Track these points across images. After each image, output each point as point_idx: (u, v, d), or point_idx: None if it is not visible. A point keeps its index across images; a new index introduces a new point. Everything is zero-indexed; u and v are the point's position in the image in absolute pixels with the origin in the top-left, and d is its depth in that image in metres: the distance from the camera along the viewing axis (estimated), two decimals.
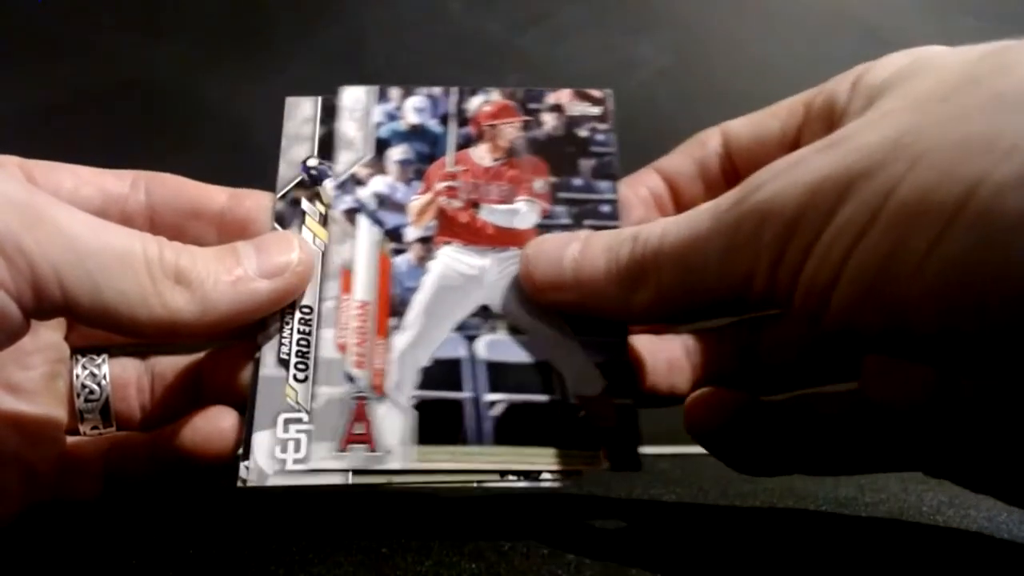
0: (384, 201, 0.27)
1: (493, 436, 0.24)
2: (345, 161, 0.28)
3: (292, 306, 0.25)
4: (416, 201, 0.27)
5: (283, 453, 0.24)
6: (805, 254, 0.19)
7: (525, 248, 0.26)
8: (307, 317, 0.25)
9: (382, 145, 0.28)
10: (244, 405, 0.24)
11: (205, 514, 0.28)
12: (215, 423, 0.25)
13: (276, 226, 0.27)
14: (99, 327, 0.21)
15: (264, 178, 0.28)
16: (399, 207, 0.27)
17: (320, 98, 0.29)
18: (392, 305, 0.26)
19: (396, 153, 0.28)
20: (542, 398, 0.24)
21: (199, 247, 0.23)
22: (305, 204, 0.27)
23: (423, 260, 0.26)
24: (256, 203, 0.27)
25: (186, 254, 0.22)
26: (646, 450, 0.24)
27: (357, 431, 0.24)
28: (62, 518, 0.26)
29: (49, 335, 0.26)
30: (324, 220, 0.27)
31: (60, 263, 0.20)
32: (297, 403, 0.24)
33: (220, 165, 0.30)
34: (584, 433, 0.24)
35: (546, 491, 0.24)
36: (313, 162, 0.28)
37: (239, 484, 0.23)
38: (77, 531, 0.25)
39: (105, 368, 0.27)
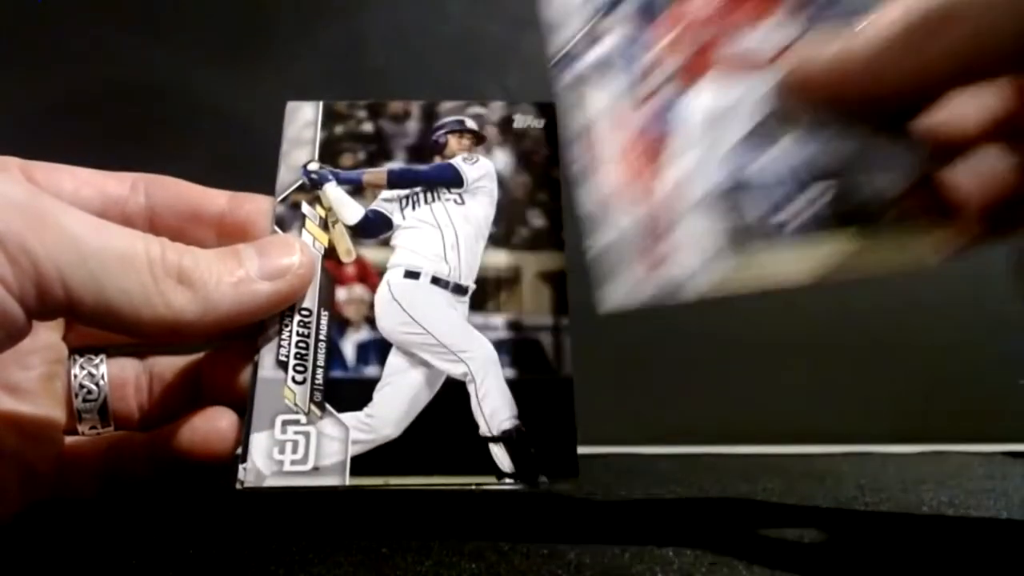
0: (623, 54, 0.26)
1: (805, 235, 0.23)
2: (567, 29, 0.27)
3: (291, 308, 0.25)
4: (655, 48, 0.26)
5: (281, 454, 0.24)
6: None
7: (784, 59, 0.24)
8: (306, 319, 0.25)
9: (604, 9, 0.27)
10: (243, 406, 0.25)
11: (205, 514, 0.28)
12: (213, 423, 0.25)
13: (276, 229, 0.27)
14: (102, 327, 0.21)
15: (264, 178, 0.28)
16: (638, 57, 0.26)
17: (320, 102, 0.29)
18: (657, 146, 0.25)
19: (622, 10, 0.27)
20: (847, 193, 0.23)
21: (201, 248, 0.23)
22: (305, 208, 0.27)
23: (675, 101, 0.25)
24: (256, 207, 0.27)
25: (189, 255, 0.23)
26: (646, 451, 0.24)
27: (655, 259, 0.24)
28: (62, 518, 0.26)
29: (47, 335, 0.26)
30: (324, 224, 0.27)
31: (63, 263, 0.20)
32: (295, 405, 0.24)
33: (219, 166, 0.30)
34: (901, 217, 0.23)
35: (546, 491, 0.24)
36: (314, 166, 0.28)
37: (237, 486, 0.23)
38: (77, 531, 0.25)
39: (103, 368, 0.27)
